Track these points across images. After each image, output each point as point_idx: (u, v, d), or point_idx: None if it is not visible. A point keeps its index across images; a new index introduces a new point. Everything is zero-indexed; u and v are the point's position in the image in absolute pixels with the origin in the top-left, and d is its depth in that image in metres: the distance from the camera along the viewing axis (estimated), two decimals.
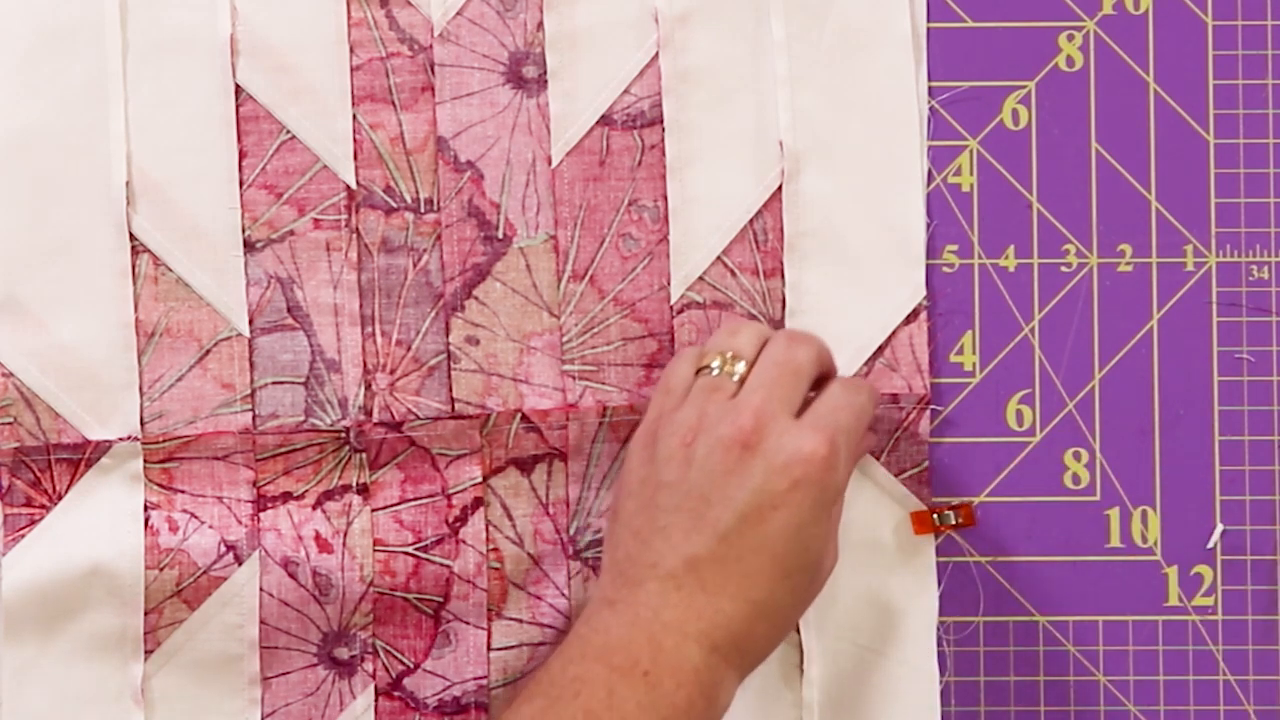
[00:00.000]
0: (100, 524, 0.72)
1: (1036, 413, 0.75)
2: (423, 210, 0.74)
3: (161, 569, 0.72)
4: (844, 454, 0.65)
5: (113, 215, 0.73)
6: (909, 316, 0.74)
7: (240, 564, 0.73)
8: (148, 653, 0.72)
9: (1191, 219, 0.75)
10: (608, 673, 0.63)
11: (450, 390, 0.74)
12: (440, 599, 0.73)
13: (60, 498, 0.73)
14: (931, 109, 0.75)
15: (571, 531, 0.74)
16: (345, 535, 0.73)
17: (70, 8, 0.73)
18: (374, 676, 0.74)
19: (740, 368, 0.67)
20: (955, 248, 0.75)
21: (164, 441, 0.73)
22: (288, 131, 0.73)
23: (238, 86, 0.73)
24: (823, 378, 0.69)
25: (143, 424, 0.73)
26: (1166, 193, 0.75)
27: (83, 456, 0.73)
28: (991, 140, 0.75)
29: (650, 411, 0.69)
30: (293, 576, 0.73)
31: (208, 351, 0.73)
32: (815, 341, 0.68)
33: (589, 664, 0.64)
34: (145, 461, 0.73)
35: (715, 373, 0.68)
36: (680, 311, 0.74)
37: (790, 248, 0.74)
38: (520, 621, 0.74)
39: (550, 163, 0.74)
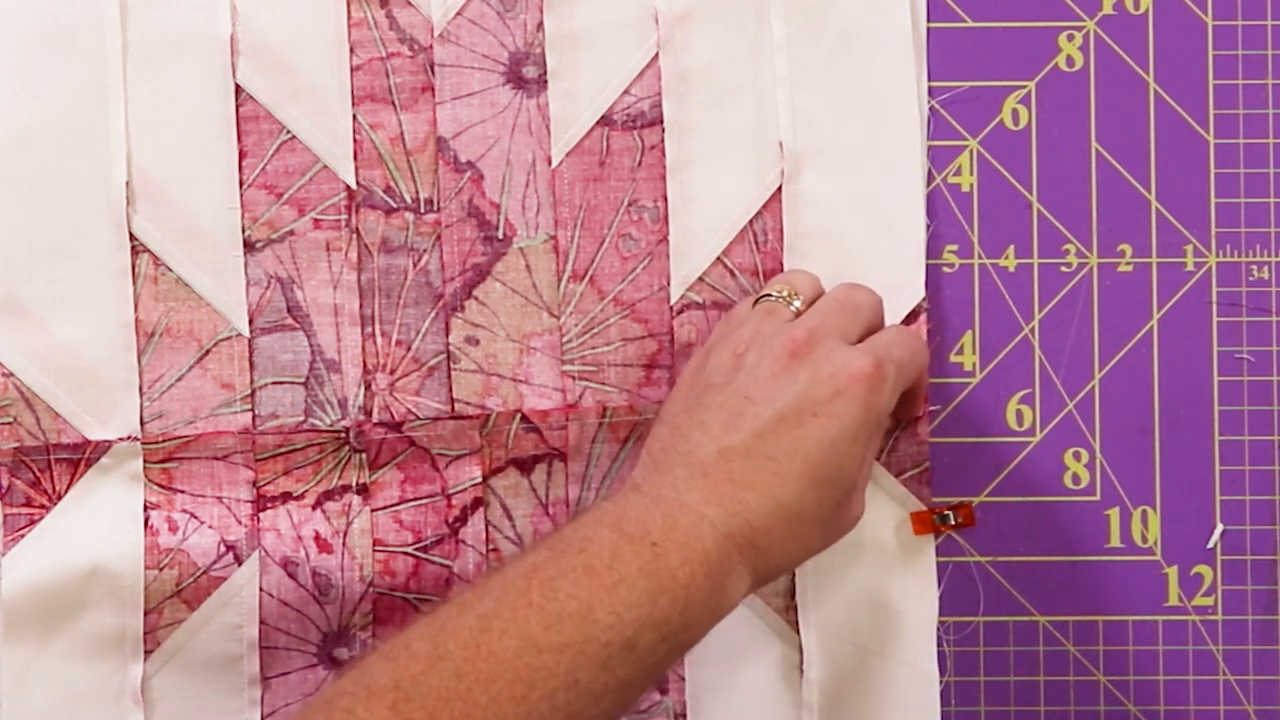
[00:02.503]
0: (100, 524, 0.72)
1: (1036, 413, 0.75)
2: (423, 210, 0.74)
3: (161, 569, 0.72)
4: (891, 381, 0.66)
5: (113, 215, 0.73)
6: (909, 316, 0.74)
7: (240, 564, 0.73)
8: (148, 653, 0.72)
9: (1191, 219, 0.75)
10: (616, 537, 0.63)
11: (450, 390, 0.74)
12: (440, 599, 0.73)
13: (60, 498, 0.73)
14: (931, 109, 0.75)
15: None
16: (345, 535, 0.73)
17: (70, 8, 0.73)
18: None
19: (798, 303, 0.69)
20: (955, 248, 0.75)
21: (164, 441, 0.73)
22: (288, 131, 0.73)
23: (238, 86, 0.73)
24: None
25: (143, 424, 0.73)
26: (1166, 193, 0.75)
27: (83, 456, 0.73)
28: (991, 140, 0.75)
29: (713, 338, 0.70)
30: (292, 577, 0.73)
31: (208, 351, 0.73)
32: (875, 292, 0.70)
33: (600, 528, 0.63)
34: (145, 461, 0.73)
35: (774, 299, 0.69)
36: (680, 312, 0.74)
37: (790, 248, 0.74)
38: None
39: (550, 163, 0.74)
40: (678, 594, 0.62)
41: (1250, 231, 0.75)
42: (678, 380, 0.70)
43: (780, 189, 0.74)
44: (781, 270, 0.74)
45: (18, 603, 0.72)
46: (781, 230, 0.74)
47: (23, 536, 0.72)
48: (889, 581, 0.74)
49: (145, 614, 0.72)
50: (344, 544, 0.73)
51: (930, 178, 0.75)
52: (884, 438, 0.73)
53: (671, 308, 0.74)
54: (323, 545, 0.73)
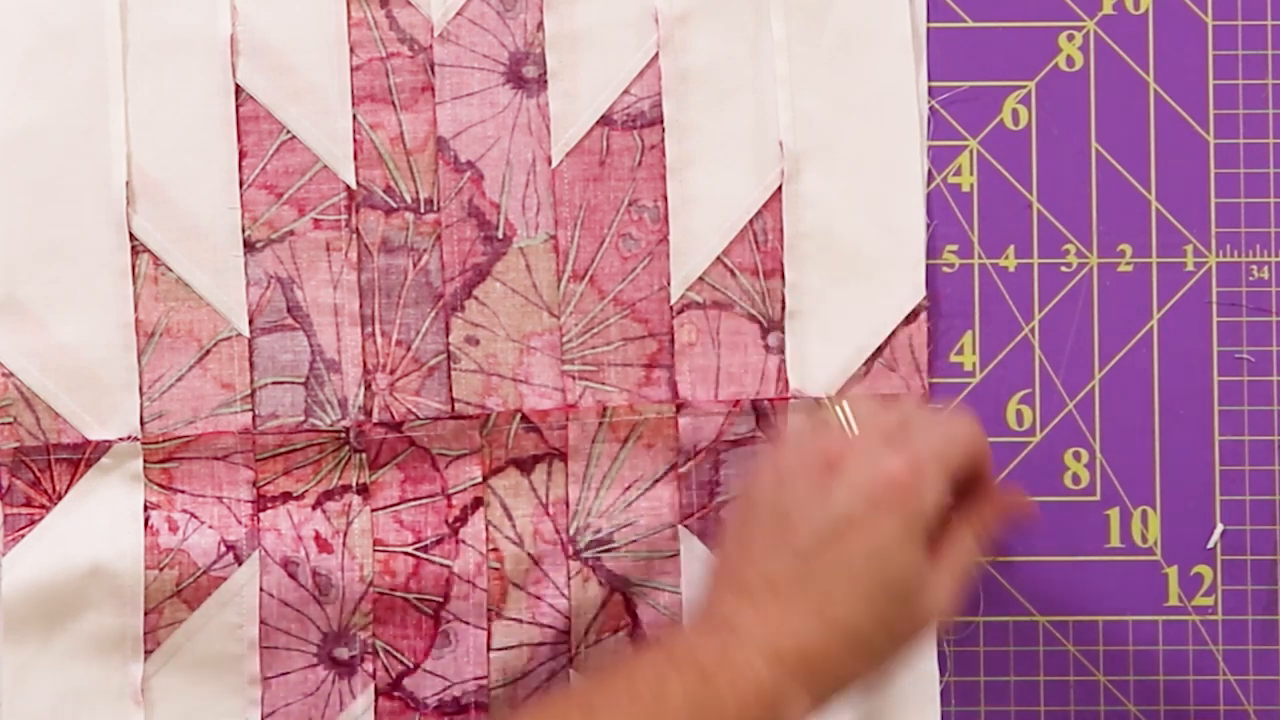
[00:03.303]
0: (100, 524, 0.72)
1: (1036, 413, 0.75)
2: (423, 210, 0.74)
3: (161, 569, 0.72)
4: (931, 478, 0.64)
5: (113, 215, 0.73)
6: (909, 316, 0.74)
7: (240, 564, 0.73)
8: (148, 653, 0.72)
9: (1191, 219, 0.75)
10: (664, 662, 0.62)
11: (450, 390, 0.74)
12: (440, 599, 0.73)
13: (60, 498, 0.73)
14: (931, 109, 0.75)
15: (571, 531, 0.74)
16: (345, 535, 0.73)
17: (70, 8, 0.73)
18: (374, 676, 0.74)
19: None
20: (955, 248, 0.75)
21: (164, 441, 0.73)
22: (288, 131, 0.73)
23: (238, 86, 0.73)
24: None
25: (143, 424, 0.73)
26: (1166, 193, 0.75)
27: (83, 456, 0.73)
28: (991, 140, 0.75)
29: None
30: (293, 576, 0.73)
31: (208, 351, 0.73)
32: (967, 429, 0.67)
33: (651, 653, 0.63)
34: (145, 461, 0.73)
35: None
36: (680, 311, 0.74)
37: (790, 248, 0.74)
38: (520, 621, 0.74)
39: (550, 163, 0.74)
40: None
41: (1250, 231, 0.75)
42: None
43: (780, 189, 0.74)
44: (781, 270, 0.74)
45: (18, 603, 0.72)
46: (781, 230, 0.74)
47: (23, 536, 0.72)
48: None
49: (145, 614, 0.72)
50: (344, 544, 0.73)
51: (930, 178, 0.75)
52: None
53: (671, 307, 0.74)
54: (323, 545, 0.73)
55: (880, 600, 0.63)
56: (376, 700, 0.74)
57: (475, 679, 0.74)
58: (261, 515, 0.73)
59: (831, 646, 0.62)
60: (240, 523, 0.73)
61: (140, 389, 0.73)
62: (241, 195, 0.73)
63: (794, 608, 0.63)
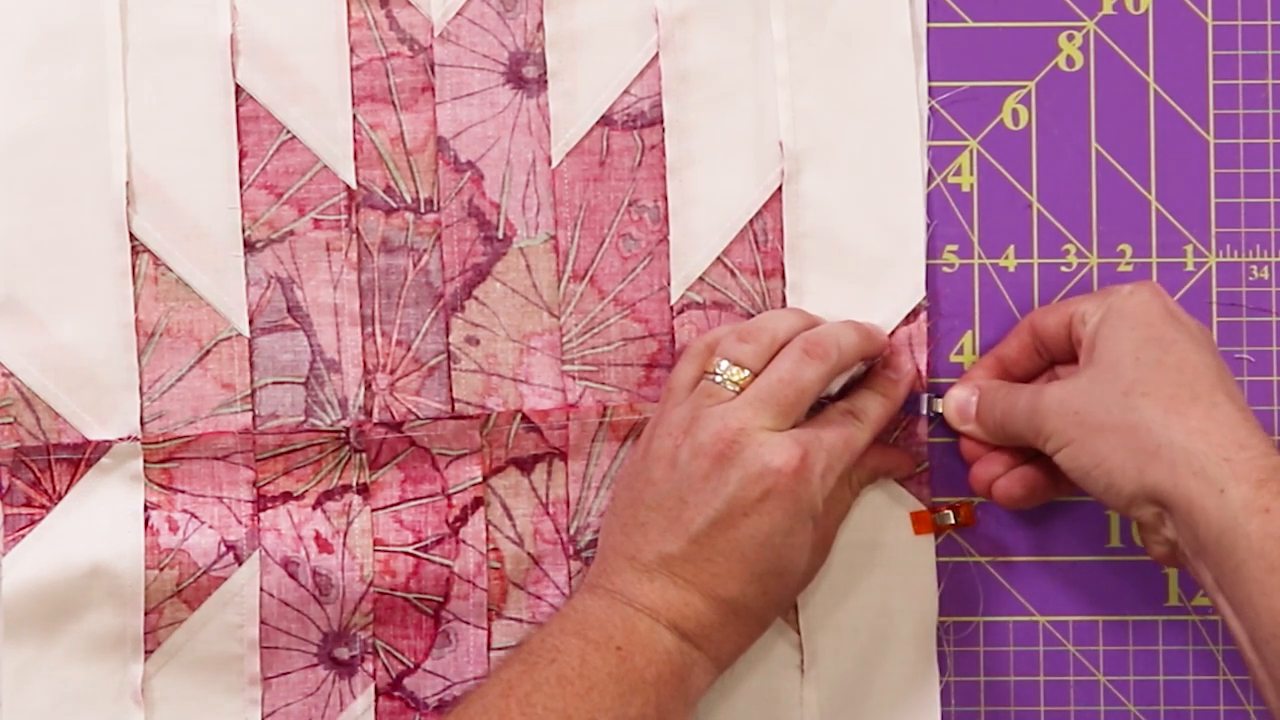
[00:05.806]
0: (100, 524, 0.72)
1: None
2: (423, 210, 0.74)
3: (161, 569, 0.72)
4: (820, 469, 0.67)
5: (113, 215, 0.73)
6: (909, 316, 0.74)
7: (240, 564, 0.73)
8: (148, 653, 0.72)
9: (1191, 219, 0.75)
10: (583, 644, 0.66)
11: (450, 390, 0.74)
12: (440, 599, 0.74)
13: (60, 498, 0.73)
14: (931, 109, 0.75)
15: (571, 531, 0.74)
16: (345, 535, 0.73)
17: (70, 8, 0.73)
18: (374, 676, 0.74)
19: (744, 376, 0.69)
20: (955, 248, 0.75)
21: (164, 441, 0.73)
22: (288, 131, 0.73)
23: (238, 86, 0.73)
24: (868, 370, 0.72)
25: (143, 424, 0.73)
26: (1166, 193, 0.75)
27: (83, 456, 0.73)
28: (991, 140, 0.75)
29: (659, 407, 0.71)
30: (293, 576, 0.73)
31: (208, 351, 0.73)
32: (832, 355, 0.69)
33: (566, 637, 0.66)
34: (145, 461, 0.73)
35: (718, 379, 0.69)
36: (680, 312, 0.74)
37: (790, 248, 0.74)
38: (520, 621, 0.74)
39: (550, 163, 0.74)
40: (648, 693, 0.65)
41: (1250, 231, 0.75)
42: (628, 456, 0.72)
43: (780, 189, 0.74)
44: (781, 270, 0.74)
45: (18, 603, 0.72)
46: (781, 230, 0.74)
47: (23, 536, 0.72)
48: (889, 581, 0.74)
49: (145, 614, 0.72)
50: (344, 544, 0.73)
51: (930, 178, 0.75)
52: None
53: (672, 307, 0.74)
54: (323, 545, 0.73)
55: (769, 578, 0.68)
56: (376, 700, 0.74)
57: (475, 679, 0.74)
58: (261, 515, 0.73)
59: (726, 622, 0.68)
60: (240, 523, 0.73)
61: (140, 389, 0.73)
62: (241, 195, 0.73)
63: (689, 588, 0.67)
